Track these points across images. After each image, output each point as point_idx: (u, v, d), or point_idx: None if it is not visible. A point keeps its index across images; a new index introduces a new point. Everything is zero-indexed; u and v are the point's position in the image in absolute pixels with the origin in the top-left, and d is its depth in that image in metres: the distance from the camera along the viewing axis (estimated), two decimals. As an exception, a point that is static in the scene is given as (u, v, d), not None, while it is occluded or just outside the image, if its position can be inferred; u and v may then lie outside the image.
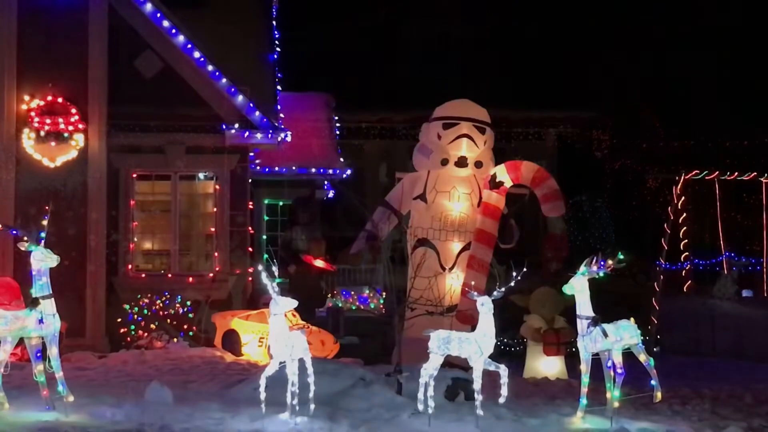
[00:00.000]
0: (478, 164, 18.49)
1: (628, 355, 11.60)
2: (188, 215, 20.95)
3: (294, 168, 24.28)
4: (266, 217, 25.29)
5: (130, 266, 20.27)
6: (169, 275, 20.38)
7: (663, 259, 28.60)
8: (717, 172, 28.17)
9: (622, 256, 11.46)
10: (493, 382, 11.63)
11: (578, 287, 11.43)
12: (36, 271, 10.73)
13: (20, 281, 15.73)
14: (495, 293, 11.29)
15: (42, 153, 19.31)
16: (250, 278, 20.84)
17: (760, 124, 34.81)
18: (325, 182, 25.39)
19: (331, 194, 25.83)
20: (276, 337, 10.68)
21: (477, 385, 10.93)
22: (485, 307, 11.08)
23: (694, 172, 28.29)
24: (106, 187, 19.70)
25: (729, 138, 35.79)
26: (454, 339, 11.17)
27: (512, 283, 11.51)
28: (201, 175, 20.91)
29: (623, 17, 41.58)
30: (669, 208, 28.54)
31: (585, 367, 11.48)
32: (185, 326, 19.39)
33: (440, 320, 15.01)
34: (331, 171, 24.83)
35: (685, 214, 28.54)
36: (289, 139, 21.16)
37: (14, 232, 11.10)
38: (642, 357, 11.61)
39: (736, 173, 28.09)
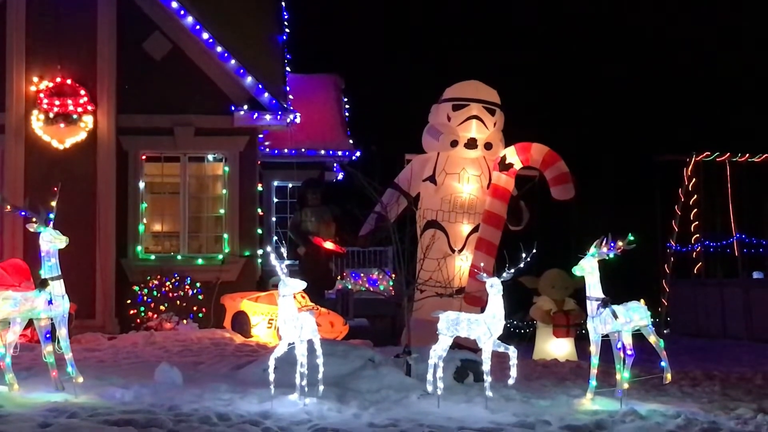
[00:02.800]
0: (488, 146, 18.45)
1: (638, 336, 11.57)
2: (197, 197, 20.95)
3: (303, 150, 24.22)
4: (276, 199, 25.28)
5: (139, 248, 20.29)
6: (179, 257, 20.40)
7: (674, 241, 28.58)
8: (728, 154, 28.08)
9: (632, 238, 11.40)
10: (503, 363, 11.62)
11: (588, 269, 11.38)
12: (45, 252, 10.72)
13: (30, 262, 15.75)
14: (504, 275, 11.26)
15: (51, 134, 19.33)
16: (260, 260, 20.85)
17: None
18: (335, 164, 25.35)
19: (340, 176, 25.79)
20: (285, 318, 10.67)
21: (486, 366, 10.91)
22: (494, 288, 11.04)
23: (705, 154, 28.21)
24: (115, 168, 19.70)
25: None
26: (463, 320, 11.14)
27: (521, 265, 11.48)
28: (210, 157, 20.89)
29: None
30: (680, 190, 28.49)
31: (595, 349, 11.44)
32: (194, 308, 19.41)
33: (449, 302, 14.98)
34: (340, 153, 24.77)
35: (695, 196, 28.48)
36: (298, 120, 21.12)
37: (23, 213, 11.05)
38: (652, 338, 11.57)
39: (747, 155, 28.01)
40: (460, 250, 18.10)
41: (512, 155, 18.20)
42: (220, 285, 19.84)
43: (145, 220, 20.50)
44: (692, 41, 41.71)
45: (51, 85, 19.38)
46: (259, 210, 21.48)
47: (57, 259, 10.74)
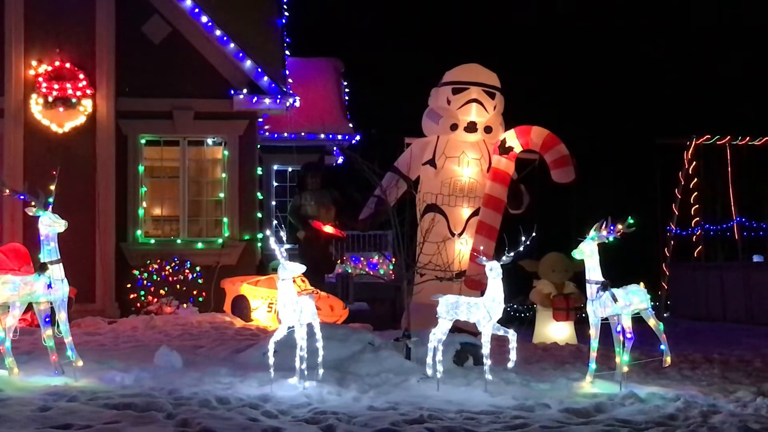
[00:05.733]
0: (488, 129, 18.42)
1: (638, 319, 11.57)
2: (197, 181, 20.93)
3: (303, 133, 24.19)
4: (275, 183, 25.26)
5: (139, 232, 20.29)
6: (178, 241, 20.41)
7: (674, 224, 28.57)
8: (728, 137, 28.06)
9: (632, 221, 11.38)
10: (502, 347, 11.63)
11: (587, 252, 11.37)
12: (44, 237, 10.72)
13: (29, 246, 15.73)
14: (504, 258, 11.25)
15: (50, 118, 19.29)
16: (260, 244, 20.85)
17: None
18: (334, 148, 25.31)
19: (340, 160, 25.77)
20: (285, 302, 10.67)
21: (486, 349, 10.92)
22: (494, 272, 11.04)
23: (705, 137, 28.18)
24: (115, 152, 19.68)
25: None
26: (462, 304, 11.14)
27: (521, 248, 11.47)
28: (209, 141, 20.86)
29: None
30: (680, 174, 28.48)
31: (594, 332, 11.45)
32: (194, 292, 19.42)
33: (449, 285, 14.99)
34: (340, 137, 24.73)
35: (696, 180, 28.48)
36: (297, 104, 21.10)
37: (22, 197, 11.04)
38: (651, 322, 11.57)
39: (748, 138, 27.98)
40: (460, 234, 18.10)
41: (512, 139, 18.17)
42: (220, 269, 19.85)
43: (144, 204, 20.49)
44: (693, 24, 41.61)
45: (50, 68, 19.33)
46: (259, 194, 21.46)
47: (56, 243, 10.74)
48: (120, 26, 19.76)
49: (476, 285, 16.42)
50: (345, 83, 26.76)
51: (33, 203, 10.68)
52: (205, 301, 19.42)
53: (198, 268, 19.61)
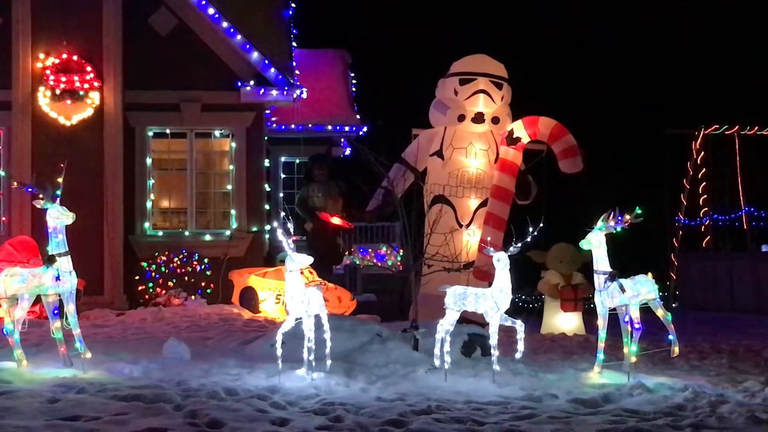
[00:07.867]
0: (495, 120, 18.38)
1: (646, 310, 11.55)
2: (204, 173, 20.96)
3: (310, 125, 24.18)
4: (283, 175, 25.27)
5: (147, 224, 20.32)
6: (186, 233, 20.44)
7: (682, 214, 28.52)
8: (737, 127, 27.98)
9: (639, 211, 11.36)
10: (510, 337, 11.62)
11: (595, 242, 11.35)
12: (52, 229, 10.72)
13: (37, 239, 15.79)
14: (511, 249, 11.24)
15: (58, 111, 19.32)
16: (267, 235, 20.87)
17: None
18: (342, 139, 25.30)
19: (347, 151, 25.76)
20: (292, 293, 10.68)
21: (493, 340, 10.92)
22: (502, 262, 11.03)
23: (714, 127, 28.11)
24: (122, 145, 19.70)
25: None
26: (470, 295, 11.13)
27: (529, 239, 11.46)
28: (217, 133, 20.88)
29: None
30: (688, 164, 28.42)
31: (602, 323, 11.43)
32: (202, 283, 19.45)
33: (457, 276, 14.98)
34: (347, 128, 24.72)
35: (704, 170, 28.41)
36: (304, 96, 21.08)
37: (30, 189, 11.06)
38: (659, 312, 11.56)
39: (756, 128, 27.90)
40: (468, 225, 18.08)
41: (519, 129, 18.14)
42: (228, 261, 19.88)
43: (152, 197, 20.52)
44: (701, 13, 41.48)
45: (57, 61, 19.35)
46: (267, 186, 21.47)
47: (64, 235, 10.74)
48: (127, 18, 19.76)
49: (484, 276, 16.41)
50: (352, 74, 26.73)
51: (41, 196, 10.69)
52: (213, 292, 19.46)
53: (206, 260, 19.66)
